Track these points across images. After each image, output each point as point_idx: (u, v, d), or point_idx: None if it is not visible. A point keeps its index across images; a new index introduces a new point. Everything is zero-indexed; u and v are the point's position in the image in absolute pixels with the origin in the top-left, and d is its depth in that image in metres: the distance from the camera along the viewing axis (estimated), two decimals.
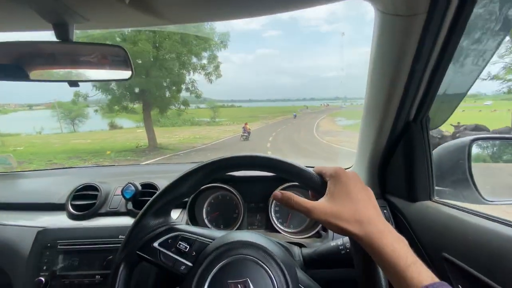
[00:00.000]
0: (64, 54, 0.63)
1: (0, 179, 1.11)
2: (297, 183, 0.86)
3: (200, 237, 0.50)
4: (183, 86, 11.55)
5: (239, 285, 0.43)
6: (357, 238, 0.39)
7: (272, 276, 0.44)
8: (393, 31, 0.55)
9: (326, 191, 0.43)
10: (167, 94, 11.68)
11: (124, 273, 0.47)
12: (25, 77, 0.60)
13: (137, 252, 0.47)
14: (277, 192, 0.45)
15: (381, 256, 0.36)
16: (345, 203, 0.40)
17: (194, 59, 11.25)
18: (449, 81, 0.64)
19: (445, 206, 0.70)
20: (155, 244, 0.48)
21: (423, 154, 0.72)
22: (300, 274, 0.48)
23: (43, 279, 0.70)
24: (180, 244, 0.48)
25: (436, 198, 0.76)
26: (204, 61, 11.52)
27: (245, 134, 14.07)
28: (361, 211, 0.39)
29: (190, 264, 0.46)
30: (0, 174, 1.15)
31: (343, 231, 0.39)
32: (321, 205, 0.41)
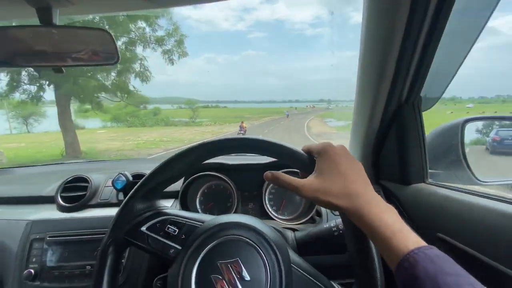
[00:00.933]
0: (47, 39, 0.61)
1: None
2: (290, 170, 0.86)
3: (190, 220, 0.49)
4: (130, 69, 7.67)
5: (229, 265, 0.42)
6: (347, 212, 0.38)
7: (264, 256, 0.43)
8: (381, 8, 0.54)
9: (315, 167, 0.42)
10: (98, 79, 7.82)
11: (111, 257, 0.45)
12: (7, 63, 0.58)
13: (125, 236, 0.46)
14: (268, 172, 0.45)
15: (370, 227, 0.36)
16: (333, 178, 0.40)
17: (144, 27, 7.60)
18: (440, 60, 0.63)
19: (439, 187, 0.70)
20: (143, 228, 0.47)
21: (416, 135, 0.71)
22: (292, 254, 0.47)
23: (32, 271, 0.69)
24: (168, 227, 0.47)
25: (430, 180, 0.76)
26: (161, 33, 7.91)
27: (241, 132, 14.89)
28: (349, 185, 0.39)
29: (179, 247, 0.45)
30: None
31: (332, 206, 0.39)
32: (310, 182, 0.41)
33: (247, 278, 0.41)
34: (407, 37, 0.56)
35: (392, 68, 0.61)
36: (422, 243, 0.33)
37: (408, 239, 0.33)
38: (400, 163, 0.76)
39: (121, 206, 0.47)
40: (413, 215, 0.72)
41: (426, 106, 0.71)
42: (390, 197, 0.82)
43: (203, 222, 0.48)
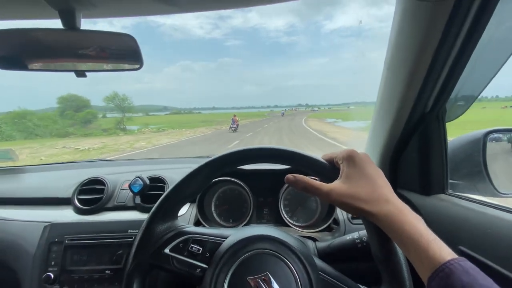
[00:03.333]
0: (71, 43, 0.60)
1: (3, 173, 1.09)
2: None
3: (212, 237, 0.48)
4: None
5: (259, 280, 0.42)
6: (376, 218, 0.38)
7: (292, 267, 0.43)
8: (418, 17, 0.52)
9: (340, 173, 0.42)
10: None
11: (137, 283, 0.45)
12: (29, 67, 0.58)
13: (149, 261, 0.46)
14: (290, 175, 0.44)
15: (401, 235, 0.36)
16: (361, 183, 0.40)
17: None
18: (469, 72, 0.63)
19: (461, 199, 0.69)
20: (166, 250, 0.46)
21: (439, 146, 0.71)
22: (319, 262, 0.47)
23: (51, 274, 0.69)
24: (192, 247, 0.47)
25: (450, 191, 0.75)
26: None
27: (233, 126, 15.18)
28: (378, 190, 0.39)
29: (205, 266, 0.45)
30: (3, 169, 1.13)
31: (360, 212, 0.39)
32: (337, 187, 0.41)
33: None
34: (441, 46, 0.55)
35: (421, 76, 0.60)
36: (455, 255, 0.33)
37: (443, 249, 0.33)
38: (421, 172, 0.75)
39: (141, 229, 0.47)
40: (433, 227, 0.70)
41: (450, 117, 0.71)
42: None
43: (225, 238, 0.48)
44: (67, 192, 0.88)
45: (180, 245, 0.47)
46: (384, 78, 0.71)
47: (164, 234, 0.47)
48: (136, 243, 0.46)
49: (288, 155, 0.47)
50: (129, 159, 1.32)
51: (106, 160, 1.27)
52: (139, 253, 0.46)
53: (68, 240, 0.73)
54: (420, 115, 0.69)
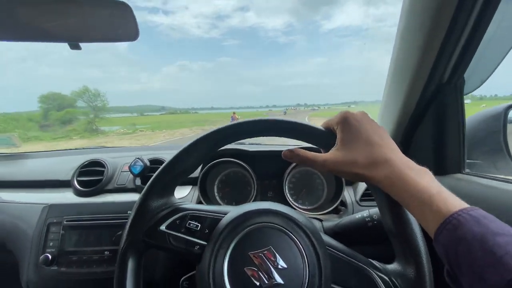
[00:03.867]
0: (62, 11, 0.57)
1: (4, 159, 1.08)
2: (312, 147, 0.82)
3: (212, 213, 0.45)
4: None
5: (262, 255, 0.39)
6: (377, 182, 0.35)
7: (297, 241, 0.40)
8: None
9: (336, 140, 0.39)
10: None
11: (132, 262, 0.42)
12: (18, 36, 0.55)
13: (143, 238, 0.43)
14: (286, 150, 0.42)
15: (404, 193, 0.32)
16: (358, 147, 0.36)
17: None
18: (489, 37, 0.57)
19: (480, 177, 0.64)
20: (162, 227, 0.43)
21: (456, 120, 0.66)
22: (326, 237, 0.44)
23: (49, 255, 0.67)
24: (190, 223, 0.43)
25: (467, 170, 0.70)
26: None
27: None
28: (375, 152, 0.35)
29: (204, 242, 0.42)
30: (4, 155, 1.12)
31: (360, 177, 0.36)
32: (332, 155, 0.38)
33: (283, 265, 0.38)
34: (461, 7, 0.50)
35: (438, 43, 0.55)
36: (465, 205, 0.29)
37: (448, 201, 0.30)
38: (436, 150, 0.71)
39: (135, 206, 0.43)
40: None
41: (469, 89, 0.65)
42: None
43: (225, 214, 0.44)
44: (67, 175, 0.87)
45: (177, 221, 0.44)
46: (397, 49, 0.66)
47: (160, 210, 0.44)
48: (130, 220, 0.43)
49: (285, 125, 0.43)
50: (132, 146, 1.30)
51: (109, 147, 1.25)
52: (133, 231, 0.42)
53: (66, 221, 0.71)
54: (436, 87, 0.64)
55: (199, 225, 0.43)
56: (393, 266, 0.41)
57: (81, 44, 0.61)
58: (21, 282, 0.70)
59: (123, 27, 0.59)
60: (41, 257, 0.67)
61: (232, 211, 0.44)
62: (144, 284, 0.44)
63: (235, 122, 0.45)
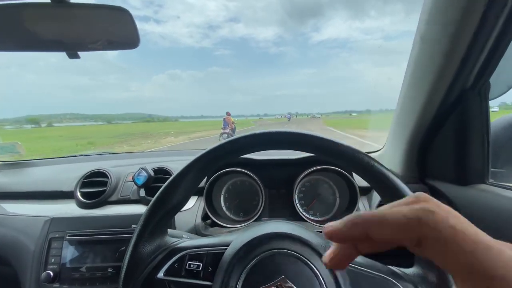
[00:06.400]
0: (59, 18, 0.54)
1: (8, 168, 1.07)
2: (323, 167, 0.78)
3: (212, 248, 0.41)
4: None
5: (275, 287, 0.35)
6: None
7: (312, 265, 0.36)
8: None
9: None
10: None
11: None
12: (15, 46, 0.53)
13: None
14: (328, 228, 0.23)
15: None
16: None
17: None
18: None
19: (507, 189, 0.59)
20: (160, 275, 0.39)
21: (480, 128, 0.61)
22: None
23: (51, 272, 0.65)
24: (190, 264, 0.40)
25: (491, 180, 0.66)
26: None
27: (226, 132, 9.24)
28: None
29: (209, 283, 0.38)
30: (8, 163, 1.11)
31: None
32: None
33: None
34: (489, 7, 0.45)
35: (464, 45, 0.51)
36: None
37: None
38: (457, 159, 0.66)
39: (126, 256, 0.39)
40: (473, 221, 0.62)
41: (494, 95, 0.60)
42: (440, 199, 0.72)
43: (227, 245, 0.40)
44: (70, 186, 0.84)
45: (176, 265, 0.40)
46: (415, 53, 0.62)
47: (155, 256, 0.40)
48: (122, 273, 0.39)
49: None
50: (138, 151, 1.27)
51: (114, 153, 1.23)
52: (128, 284, 0.38)
53: (68, 236, 0.68)
54: (459, 92, 0.60)
55: (200, 264, 0.39)
56: (413, 270, 0.37)
57: (80, 53, 0.58)
58: None
59: (123, 35, 0.56)
60: (43, 274, 0.65)
61: (235, 241, 0.40)
62: None
63: (212, 147, 0.41)
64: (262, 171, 0.83)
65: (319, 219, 0.81)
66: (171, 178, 0.41)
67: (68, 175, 0.90)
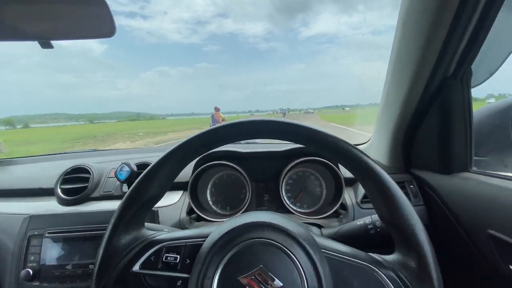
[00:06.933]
0: (33, 8, 0.52)
1: None
2: (309, 159, 0.77)
3: (190, 240, 0.40)
4: None
5: (254, 277, 0.34)
6: None
7: (290, 253, 0.35)
8: None
9: None
10: None
11: None
12: None
13: (115, 286, 0.37)
14: None
15: None
16: None
17: None
18: (499, 26, 0.52)
19: (489, 177, 0.60)
20: (136, 268, 0.38)
21: (462, 116, 0.61)
22: (321, 240, 0.39)
23: (30, 270, 0.63)
24: (167, 257, 0.38)
25: (474, 168, 0.66)
26: None
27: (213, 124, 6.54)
28: None
29: (186, 275, 0.37)
30: None
31: None
32: None
33: (278, 284, 0.34)
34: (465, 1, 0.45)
35: (444, 31, 0.50)
36: None
37: None
38: (440, 148, 0.66)
39: (101, 247, 0.38)
40: (456, 209, 0.62)
41: (476, 82, 0.61)
42: (424, 188, 0.72)
43: (206, 237, 0.39)
44: (51, 183, 0.82)
45: (152, 258, 0.39)
46: (397, 44, 0.61)
47: (130, 248, 0.39)
48: (96, 266, 0.37)
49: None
50: (122, 148, 1.25)
51: (97, 150, 1.20)
52: (102, 278, 0.37)
53: (48, 233, 0.66)
54: (440, 80, 0.60)
55: (178, 256, 0.38)
56: (393, 257, 0.37)
57: (55, 45, 0.56)
58: None
59: (98, 23, 0.54)
60: (22, 272, 0.63)
61: (214, 232, 0.39)
62: None
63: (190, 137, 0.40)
64: (248, 164, 0.82)
65: (306, 211, 0.80)
66: (146, 170, 0.40)
67: (48, 172, 0.87)
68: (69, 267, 0.64)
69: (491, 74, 0.59)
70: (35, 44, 0.56)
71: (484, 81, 0.61)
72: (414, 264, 0.35)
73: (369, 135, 0.95)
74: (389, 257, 0.38)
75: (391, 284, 0.35)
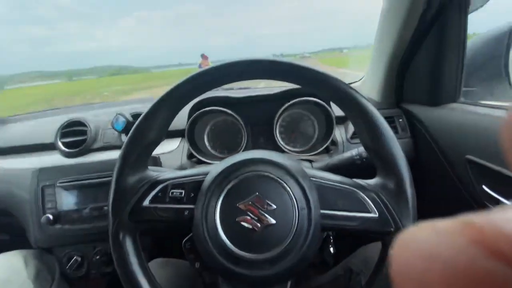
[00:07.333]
0: None
1: None
2: (301, 100, 0.78)
3: (193, 177, 0.44)
4: None
5: (251, 203, 0.39)
6: None
7: (280, 180, 0.40)
8: None
9: None
10: None
11: (127, 243, 0.41)
12: None
13: (129, 218, 0.42)
14: None
15: None
16: None
17: None
18: None
19: (473, 106, 0.62)
20: (145, 203, 0.42)
21: (457, 43, 0.60)
22: (307, 169, 0.43)
23: (50, 216, 0.69)
24: (173, 192, 0.42)
25: (462, 99, 0.68)
26: None
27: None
28: None
29: (192, 206, 0.41)
30: None
31: None
32: None
33: (272, 206, 0.39)
34: None
35: None
36: None
37: None
38: (432, 79, 0.66)
39: (111, 187, 0.42)
40: (439, 138, 0.66)
41: (476, 5, 0.58)
42: (413, 121, 0.75)
43: (207, 174, 0.43)
44: (51, 137, 0.84)
45: (159, 194, 0.43)
46: None
47: (138, 188, 0.43)
48: (110, 202, 0.42)
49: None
50: (114, 101, 1.24)
51: (91, 104, 1.18)
52: (116, 213, 0.41)
53: (59, 183, 0.71)
54: (437, 6, 0.57)
55: (183, 191, 0.42)
56: (375, 180, 0.42)
57: None
58: (30, 242, 0.74)
59: None
60: (43, 218, 0.69)
61: (212, 170, 0.43)
62: (153, 247, 0.45)
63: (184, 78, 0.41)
64: (243, 109, 0.83)
65: (300, 149, 0.85)
66: (142, 115, 0.42)
67: (46, 127, 0.88)
68: (86, 210, 0.71)
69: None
70: None
71: (483, 5, 0.58)
72: (392, 185, 0.39)
73: None
74: (371, 181, 0.42)
75: (371, 203, 0.40)
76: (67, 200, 0.71)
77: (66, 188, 0.71)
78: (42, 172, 0.73)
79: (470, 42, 0.68)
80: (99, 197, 0.72)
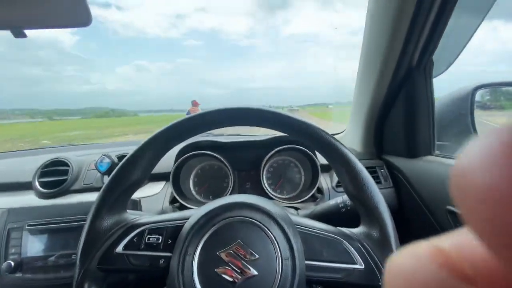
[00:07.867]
0: None
1: None
2: (288, 147, 0.81)
3: (171, 222, 0.42)
4: None
5: (231, 251, 0.37)
6: None
7: (265, 227, 0.38)
8: None
9: None
10: None
11: None
12: None
13: (99, 266, 0.39)
14: None
15: None
16: None
17: None
18: (456, 20, 0.57)
19: (448, 159, 0.66)
20: (119, 249, 0.39)
21: (426, 104, 0.66)
22: (295, 217, 0.42)
23: (12, 262, 0.62)
24: (149, 238, 0.40)
25: (437, 152, 0.72)
26: None
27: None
28: None
29: (168, 254, 0.39)
30: None
31: None
32: None
33: (255, 256, 0.37)
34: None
35: (405, 27, 0.55)
36: None
37: None
38: (407, 134, 0.71)
39: (84, 230, 0.39)
40: (419, 189, 0.68)
41: (438, 71, 0.66)
42: (394, 172, 0.78)
43: (187, 219, 0.42)
44: (29, 176, 0.80)
45: (135, 239, 0.40)
46: (366, 40, 0.66)
47: (113, 231, 0.40)
48: (80, 247, 0.39)
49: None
50: (100, 143, 1.23)
51: (74, 145, 1.18)
52: (85, 259, 0.39)
53: (28, 226, 0.66)
54: (406, 70, 0.64)
55: (160, 237, 0.40)
56: (359, 229, 0.41)
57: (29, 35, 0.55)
58: None
59: (73, 11, 0.54)
60: (4, 264, 0.62)
61: (194, 214, 0.41)
62: None
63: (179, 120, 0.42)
64: (230, 153, 0.84)
65: (286, 196, 0.84)
66: (129, 154, 0.42)
67: (26, 166, 0.85)
68: (51, 258, 0.64)
69: (450, 64, 0.65)
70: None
71: (444, 71, 0.66)
72: (376, 233, 0.39)
73: None
74: (356, 230, 0.42)
75: (356, 253, 0.39)
76: (34, 245, 0.65)
77: (35, 232, 0.66)
78: (11, 213, 0.69)
79: (439, 101, 0.76)
80: (69, 244, 0.66)
